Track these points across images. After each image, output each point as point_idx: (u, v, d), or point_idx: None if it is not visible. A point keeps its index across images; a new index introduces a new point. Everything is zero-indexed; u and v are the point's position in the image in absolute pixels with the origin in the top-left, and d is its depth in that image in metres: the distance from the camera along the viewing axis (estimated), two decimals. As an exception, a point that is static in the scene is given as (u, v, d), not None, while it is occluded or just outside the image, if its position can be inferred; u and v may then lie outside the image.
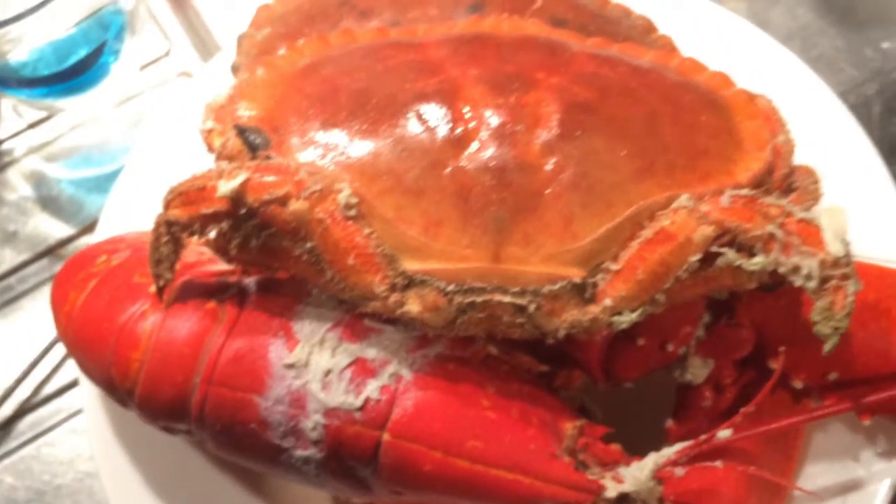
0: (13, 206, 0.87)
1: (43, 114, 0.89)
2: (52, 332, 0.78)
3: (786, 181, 0.59)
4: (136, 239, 0.65)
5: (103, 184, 0.77)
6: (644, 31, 0.72)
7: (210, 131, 0.58)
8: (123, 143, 0.87)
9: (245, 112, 0.58)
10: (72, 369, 0.79)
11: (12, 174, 0.87)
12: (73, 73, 0.77)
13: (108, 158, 0.87)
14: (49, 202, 0.86)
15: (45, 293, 0.82)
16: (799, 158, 0.62)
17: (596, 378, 0.63)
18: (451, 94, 0.57)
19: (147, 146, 0.78)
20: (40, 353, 0.80)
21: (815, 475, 0.64)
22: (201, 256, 0.64)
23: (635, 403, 0.65)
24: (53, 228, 0.85)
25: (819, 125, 0.73)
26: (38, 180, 0.87)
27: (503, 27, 0.63)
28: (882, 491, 0.63)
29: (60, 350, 0.80)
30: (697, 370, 0.62)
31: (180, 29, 0.90)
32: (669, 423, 0.64)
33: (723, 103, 0.60)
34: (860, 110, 0.85)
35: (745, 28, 0.79)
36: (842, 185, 0.67)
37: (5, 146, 0.89)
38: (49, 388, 0.80)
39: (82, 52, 0.77)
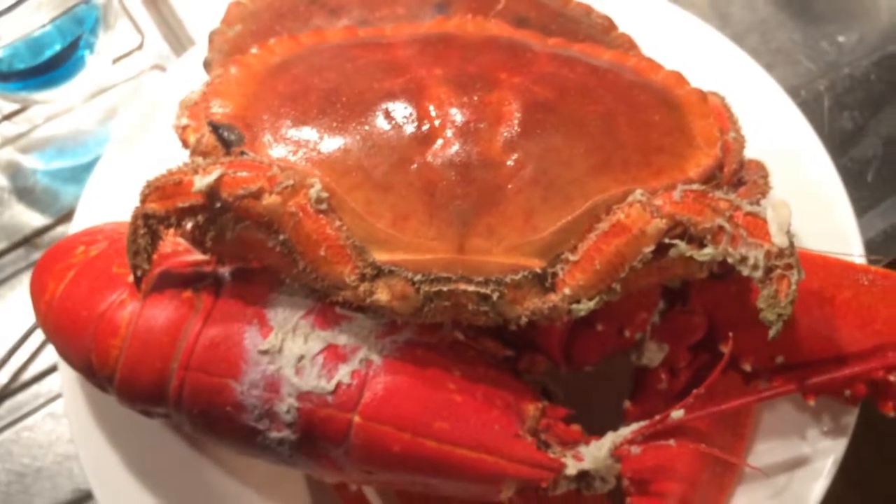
0: (-11, 197, 0.88)
1: (17, 106, 0.90)
2: (29, 320, 0.80)
3: (735, 176, 0.62)
4: (113, 230, 0.67)
5: (78, 174, 0.79)
6: (604, 30, 0.75)
7: (185, 128, 0.60)
8: (97, 135, 0.88)
9: (219, 109, 0.60)
10: (50, 355, 0.82)
11: (-12, 166, 0.89)
12: (48, 68, 0.78)
13: (81, 149, 0.88)
14: (24, 193, 0.87)
15: (22, 281, 0.84)
16: (749, 153, 0.66)
17: (557, 362, 0.66)
18: (418, 93, 0.59)
19: (122, 138, 0.79)
20: (18, 340, 0.81)
21: (765, 453, 0.68)
22: (177, 247, 0.66)
23: (595, 387, 0.68)
24: (29, 218, 0.87)
25: (768, 120, 0.76)
26: (13, 171, 0.88)
27: (467, 28, 0.65)
28: (827, 467, 0.66)
29: (38, 337, 0.82)
30: (653, 354, 0.65)
31: (153, 22, 0.91)
32: (627, 404, 0.67)
33: (676, 102, 0.62)
34: (811, 105, 0.88)
35: (700, 27, 0.82)
36: (789, 179, 0.70)
37: (-20, 138, 0.91)
38: (28, 374, 0.82)
39: (57, 47, 0.79)
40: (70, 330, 0.62)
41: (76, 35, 0.79)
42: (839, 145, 0.85)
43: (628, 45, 0.73)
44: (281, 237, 0.56)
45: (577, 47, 0.66)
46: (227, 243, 0.58)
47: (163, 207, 0.57)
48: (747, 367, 0.65)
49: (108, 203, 0.76)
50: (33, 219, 0.87)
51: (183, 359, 0.59)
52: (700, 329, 0.65)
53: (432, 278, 0.57)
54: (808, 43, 1.01)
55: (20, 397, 0.82)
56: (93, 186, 0.78)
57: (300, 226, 0.56)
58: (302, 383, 0.59)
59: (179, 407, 0.60)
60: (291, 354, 0.59)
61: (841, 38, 1.00)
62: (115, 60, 0.90)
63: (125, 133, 0.79)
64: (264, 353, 0.59)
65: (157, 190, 0.57)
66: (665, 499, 0.64)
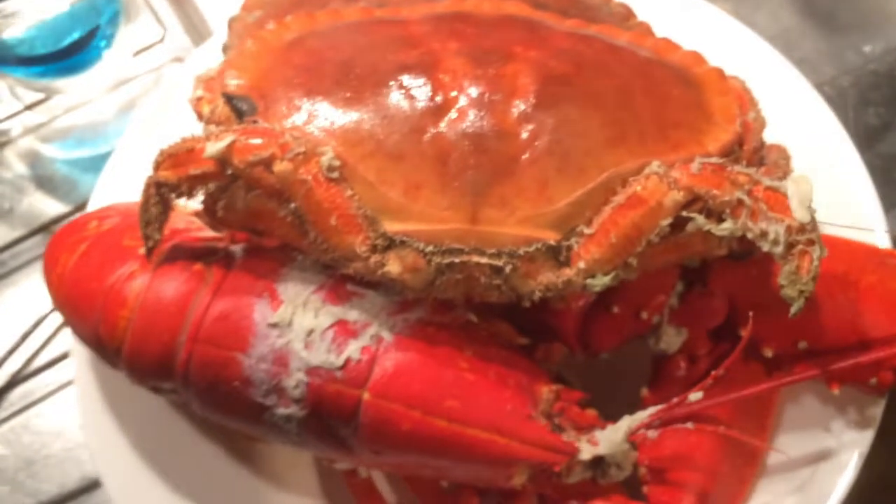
0: (9, 185, 0.89)
1: (39, 96, 0.91)
2: (44, 307, 0.80)
3: (756, 155, 0.61)
4: (126, 207, 0.67)
5: (96, 164, 0.79)
6: (623, 18, 0.74)
7: (200, 99, 0.60)
8: (116, 126, 0.89)
9: (233, 81, 0.60)
10: (62, 342, 0.81)
11: (9, 154, 0.89)
12: (68, 54, 0.79)
13: (101, 140, 0.89)
14: (44, 181, 0.88)
15: (37, 269, 0.83)
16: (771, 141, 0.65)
17: (573, 348, 0.65)
18: (432, 65, 0.58)
19: (138, 128, 0.79)
20: (31, 326, 0.81)
21: (788, 445, 0.65)
22: (191, 225, 0.65)
23: (613, 378, 0.67)
24: (47, 206, 0.87)
25: (793, 111, 0.75)
26: (33, 160, 0.89)
27: (484, 7, 0.65)
28: (852, 461, 0.64)
29: (52, 323, 0.81)
30: (671, 339, 0.64)
31: (174, 16, 0.92)
32: (644, 392, 0.65)
33: (695, 80, 0.62)
34: (836, 102, 0.87)
35: (725, 20, 0.81)
36: (812, 164, 0.68)
37: (2, 126, 0.91)
38: (40, 361, 0.82)
39: (76, 35, 0.79)
40: (80, 302, 0.61)
41: (94, 25, 0.80)
42: (865, 141, 0.84)
43: (647, 32, 0.72)
44: (292, 206, 0.56)
45: (594, 28, 0.66)
46: (239, 213, 0.58)
47: (175, 175, 0.56)
48: (769, 353, 0.63)
49: (124, 189, 0.76)
50: (52, 207, 0.87)
51: (191, 331, 0.58)
52: (720, 313, 0.63)
53: (444, 249, 0.56)
54: (832, 52, 0.99)
55: (31, 384, 0.81)
56: (108, 173, 0.78)
57: (311, 194, 0.55)
58: (311, 357, 0.58)
59: (187, 381, 0.59)
60: (301, 328, 0.58)
61: (866, 48, 0.99)
62: (136, 53, 0.91)
63: (142, 121, 0.80)
64: (273, 326, 0.58)
65: (169, 158, 0.57)
66: (683, 489, 0.62)
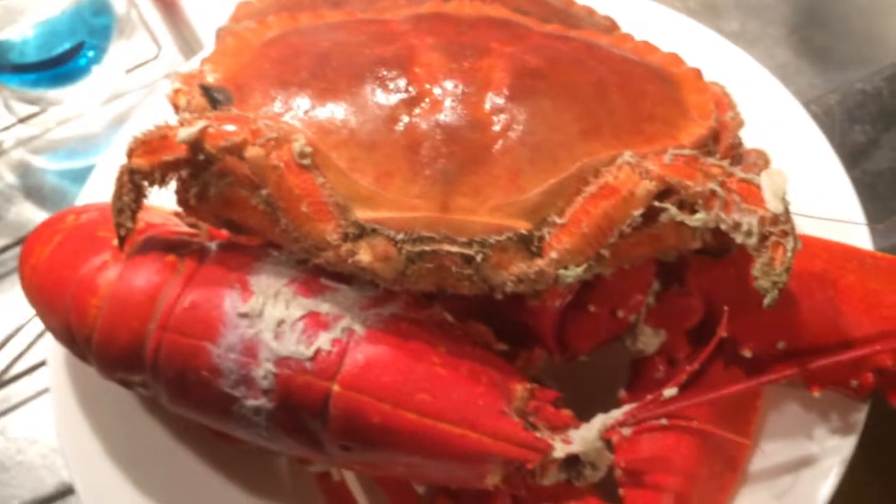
0: (-2, 194, 0.90)
1: (33, 109, 0.92)
2: (27, 314, 0.80)
3: (732, 152, 0.61)
4: (105, 204, 0.67)
5: (85, 175, 0.79)
6: (606, 30, 0.75)
7: (177, 91, 0.61)
8: (108, 139, 0.90)
9: (211, 75, 0.60)
10: (41, 350, 0.81)
11: (0, 164, 0.90)
12: (59, 62, 0.80)
13: (91, 152, 0.90)
14: (33, 191, 0.89)
15: (21, 277, 0.84)
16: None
17: (551, 349, 0.64)
18: (408, 58, 0.59)
19: (125, 139, 0.80)
20: (11, 333, 0.81)
21: (770, 453, 0.64)
22: (167, 221, 0.66)
23: (592, 383, 0.66)
24: (35, 216, 0.88)
25: (778, 125, 0.75)
26: (24, 170, 0.90)
27: (465, 9, 0.66)
28: (835, 466, 0.62)
29: (31, 331, 0.81)
30: (649, 339, 0.63)
31: (170, 35, 0.94)
32: (622, 393, 0.64)
33: (671, 78, 0.62)
34: (822, 119, 0.87)
35: (707, 34, 0.82)
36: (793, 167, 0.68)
37: (-5, 139, 0.93)
38: (18, 368, 0.82)
39: (66, 45, 0.81)
40: (52, 291, 0.61)
41: (85, 36, 0.81)
42: (851, 158, 0.83)
43: (628, 39, 0.73)
44: (263, 193, 0.56)
45: (574, 33, 0.66)
46: (211, 201, 0.58)
47: (148, 162, 0.57)
48: (748, 354, 0.62)
49: (107, 197, 0.76)
50: (39, 216, 0.88)
51: (161, 319, 0.58)
52: (697, 312, 0.62)
53: (415, 238, 0.55)
54: (827, 88, 1.00)
55: (9, 390, 0.81)
56: (93, 182, 0.78)
57: (282, 180, 0.55)
58: (280, 348, 0.57)
59: (156, 371, 0.59)
60: (271, 318, 0.58)
61: (860, 86, 0.99)
62: (130, 70, 0.92)
63: (131, 133, 0.80)
64: (244, 315, 0.58)
65: (142, 145, 0.57)
66: (660, 492, 0.61)
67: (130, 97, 0.92)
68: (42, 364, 0.80)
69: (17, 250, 0.86)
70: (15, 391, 0.81)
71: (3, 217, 0.88)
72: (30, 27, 0.77)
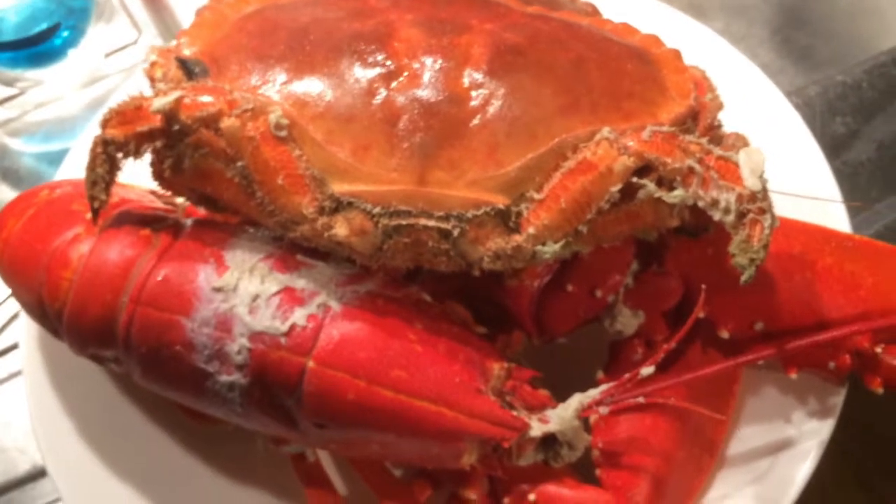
0: (-26, 177, 0.89)
1: (11, 92, 0.91)
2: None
3: (711, 132, 0.61)
4: (79, 180, 0.66)
5: (62, 158, 0.78)
6: (587, 15, 0.75)
7: (153, 64, 0.60)
8: (85, 122, 0.89)
9: (188, 48, 0.60)
10: (12, 333, 0.80)
11: (-24, 147, 0.90)
12: (34, 42, 0.80)
13: (68, 135, 0.89)
14: (9, 173, 0.88)
15: (-6, 260, 0.83)
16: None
17: (529, 331, 0.64)
18: (387, 34, 0.59)
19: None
20: (-19, 316, 0.80)
21: (749, 436, 0.65)
22: (143, 197, 0.65)
23: (570, 366, 0.65)
24: (11, 197, 0.85)
25: (759, 113, 0.75)
26: (0, 153, 0.89)
27: (446, -11, 0.66)
28: (812, 449, 0.62)
29: (3, 314, 0.80)
30: (627, 320, 0.63)
31: (150, 20, 0.93)
32: (600, 375, 0.64)
33: (651, 58, 0.62)
34: (802, 110, 0.87)
35: (689, 23, 0.82)
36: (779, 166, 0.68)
37: (-29, 122, 0.92)
38: (-11, 351, 0.81)
39: (44, 25, 0.80)
40: (24, 265, 0.60)
41: (61, 17, 0.81)
42: (832, 149, 0.84)
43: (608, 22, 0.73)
44: (239, 165, 0.55)
45: (556, 14, 0.66)
46: (186, 173, 0.57)
47: (122, 133, 0.56)
48: (725, 334, 0.62)
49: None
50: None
51: (134, 293, 0.57)
52: (675, 293, 0.62)
53: (392, 211, 0.55)
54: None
55: (-19, 373, 0.80)
56: (69, 163, 0.77)
57: (258, 152, 0.54)
58: (255, 323, 0.56)
59: (129, 346, 0.58)
60: (246, 293, 0.57)
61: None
62: (109, 54, 0.91)
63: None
64: (218, 290, 0.57)
65: (117, 115, 0.56)
66: (637, 472, 0.60)
67: (109, 81, 0.91)
68: (14, 347, 0.79)
69: (-9, 232, 0.85)
70: (-13, 374, 0.80)
71: (-21, 199, 0.87)
72: (9, 6, 0.76)
